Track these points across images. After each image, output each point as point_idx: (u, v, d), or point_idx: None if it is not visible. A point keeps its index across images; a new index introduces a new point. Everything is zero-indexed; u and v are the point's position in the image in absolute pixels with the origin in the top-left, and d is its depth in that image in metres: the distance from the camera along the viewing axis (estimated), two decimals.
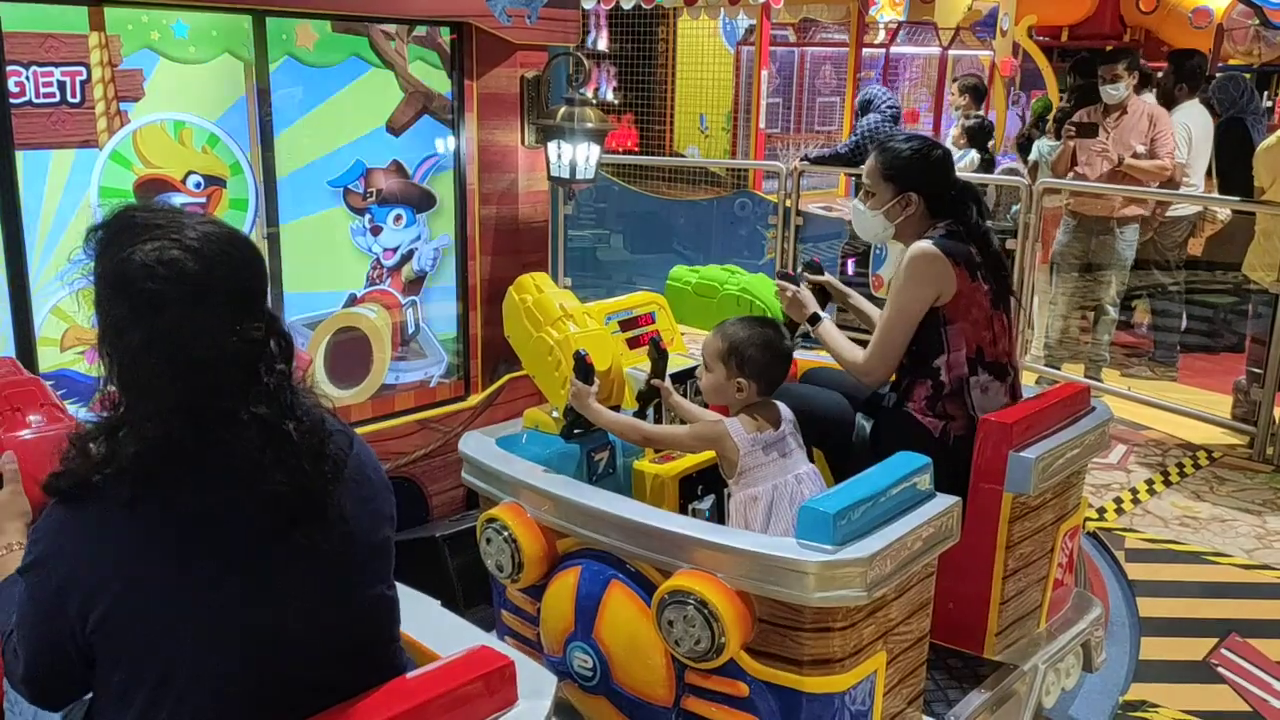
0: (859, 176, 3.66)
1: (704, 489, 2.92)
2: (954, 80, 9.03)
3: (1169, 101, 6.76)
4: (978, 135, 7.47)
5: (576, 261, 8.16)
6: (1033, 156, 7.69)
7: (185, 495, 1.42)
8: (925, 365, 2.83)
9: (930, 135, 7.18)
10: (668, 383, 2.81)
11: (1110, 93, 6.04)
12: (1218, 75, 8.13)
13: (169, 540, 1.41)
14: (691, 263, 8.73)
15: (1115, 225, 6.14)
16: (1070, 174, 6.29)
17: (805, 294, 3.03)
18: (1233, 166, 6.35)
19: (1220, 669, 3.48)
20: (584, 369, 2.68)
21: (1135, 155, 5.99)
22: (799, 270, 3.21)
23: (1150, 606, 3.86)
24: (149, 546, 1.40)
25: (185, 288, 1.40)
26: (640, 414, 2.84)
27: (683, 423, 2.76)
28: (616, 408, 2.83)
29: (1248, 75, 7.90)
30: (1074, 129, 6.12)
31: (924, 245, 2.80)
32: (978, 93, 8.45)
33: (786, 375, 2.63)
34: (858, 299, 3.18)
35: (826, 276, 3.23)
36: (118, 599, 1.39)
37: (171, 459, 1.41)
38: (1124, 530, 4.49)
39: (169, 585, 1.40)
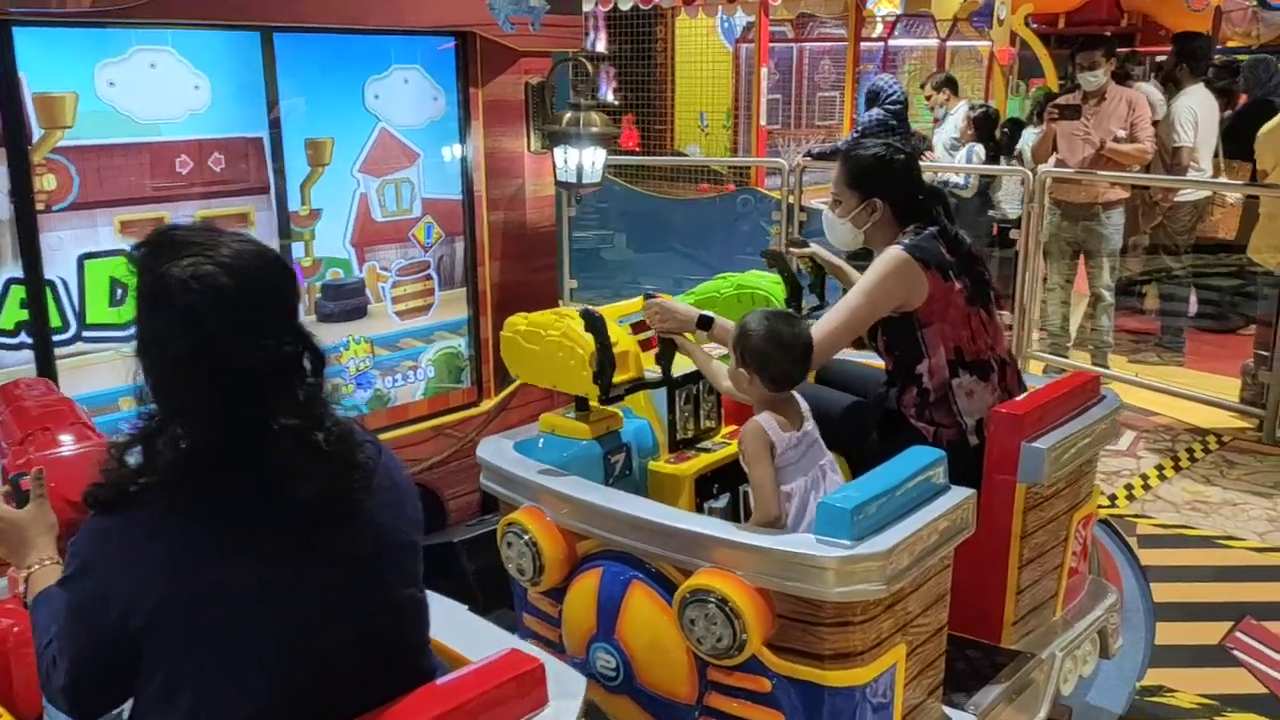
0: None
1: (719, 488, 2.96)
2: (921, 86, 9.01)
3: (1173, 85, 6.78)
4: (984, 124, 7.49)
5: (581, 262, 8.20)
6: (1020, 145, 7.72)
7: (221, 501, 1.46)
8: (909, 372, 2.86)
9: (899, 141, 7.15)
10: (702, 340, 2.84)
11: (1089, 79, 6.06)
12: (1243, 58, 8.16)
13: (206, 545, 1.45)
14: (695, 261, 8.79)
15: (1100, 210, 6.16)
16: (1051, 159, 6.31)
17: (669, 302, 2.85)
18: None
19: (1236, 652, 3.51)
20: (591, 319, 2.71)
21: (1116, 139, 6.02)
22: (784, 248, 3.25)
23: (1164, 592, 3.88)
24: (187, 551, 1.45)
25: (219, 301, 1.45)
26: (665, 371, 2.88)
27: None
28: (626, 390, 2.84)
29: (1274, 58, 7.95)
30: (1056, 111, 6.14)
31: (895, 250, 2.82)
32: (952, 84, 8.49)
33: (803, 372, 2.58)
34: (850, 270, 3.20)
35: (813, 248, 3.26)
36: (154, 606, 1.43)
37: (206, 467, 1.45)
38: (1136, 517, 4.52)
39: (207, 589, 1.44)
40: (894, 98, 7.47)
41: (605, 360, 2.71)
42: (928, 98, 8.66)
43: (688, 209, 9.40)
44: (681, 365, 2.99)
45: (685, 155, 11.05)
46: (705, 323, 2.80)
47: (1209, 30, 10.59)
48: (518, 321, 2.97)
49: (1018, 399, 2.87)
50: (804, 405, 2.62)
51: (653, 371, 2.97)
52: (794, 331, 2.56)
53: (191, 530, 1.45)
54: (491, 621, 2.05)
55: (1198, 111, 6.41)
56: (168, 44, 3.20)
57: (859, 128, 7.46)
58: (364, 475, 1.54)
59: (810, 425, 2.59)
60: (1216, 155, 6.79)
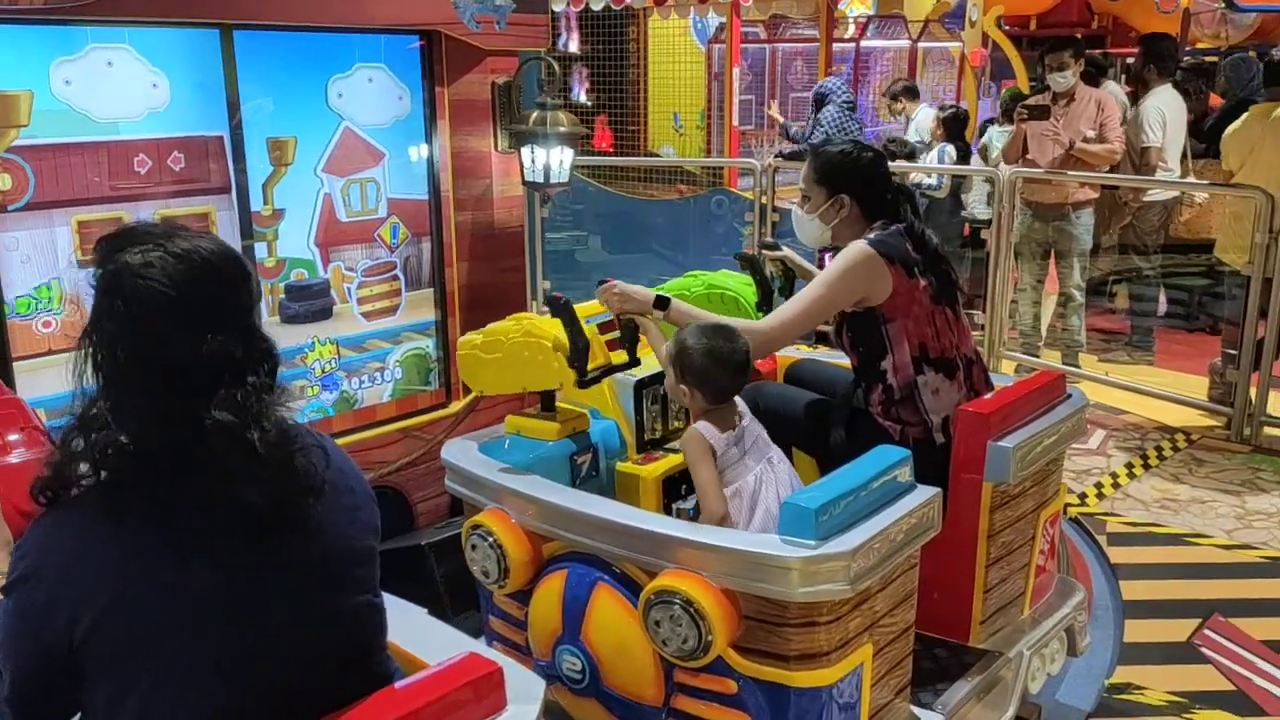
0: None
1: (687, 488, 2.94)
2: (883, 96, 9.09)
3: (1141, 86, 6.82)
4: (953, 125, 7.53)
5: (555, 264, 8.16)
6: (983, 139, 7.78)
7: (167, 504, 1.43)
8: (874, 369, 2.86)
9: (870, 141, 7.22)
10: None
11: (1058, 80, 6.09)
12: (1211, 59, 8.22)
13: (161, 546, 1.42)
14: (670, 261, 8.78)
15: (1070, 210, 6.19)
16: (1021, 160, 6.33)
17: (628, 286, 2.86)
18: None
19: (1204, 649, 3.51)
20: (558, 305, 2.72)
21: (1085, 140, 6.04)
22: (757, 250, 3.26)
23: (1133, 589, 3.89)
24: (142, 552, 1.41)
25: (164, 291, 1.43)
26: (630, 353, 2.87)
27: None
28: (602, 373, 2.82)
29: (1252, 53, 7.99)
30: (1025, 112, 6.16)
31: (860, 244, 2.82)
32: (910, 91, 8.60)
33: (741, 384, 2.60)
34: (819, 274, 3.20)
35: (785, 251, 3.28)
36: (105, 608, 1.40)
37: (159, 467, 1.42)
38: (1105, 515, 4.53)
39: (163, 590, 1.41)
40: (845, 96, 7.63)
41: (578, 341, 2.69)
42: (890, 108, 8.70)
43: (662, 210, 9.39)
44: (648, 366, 2.97)
45: (659, 156, 11.03)
46: (662, 303, 2.81)
47: (1178, 32, 10.67)
48: (473, 338, 2.95)
49: (984, 397, 2.87)
50: (740, 404, 2.65)
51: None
52: (731, 347, 2.59)
53: (146, 531, 1.42)
54: (460, 625, 2.02)
55: (1165, 112, 6.44)
56: (125, 41, 3.15)
57: (824, 127, 7.52)
58: (307, 480, 1.50)
59: (748, 420, 2.61)
60: (1185, 156, 6.82)
